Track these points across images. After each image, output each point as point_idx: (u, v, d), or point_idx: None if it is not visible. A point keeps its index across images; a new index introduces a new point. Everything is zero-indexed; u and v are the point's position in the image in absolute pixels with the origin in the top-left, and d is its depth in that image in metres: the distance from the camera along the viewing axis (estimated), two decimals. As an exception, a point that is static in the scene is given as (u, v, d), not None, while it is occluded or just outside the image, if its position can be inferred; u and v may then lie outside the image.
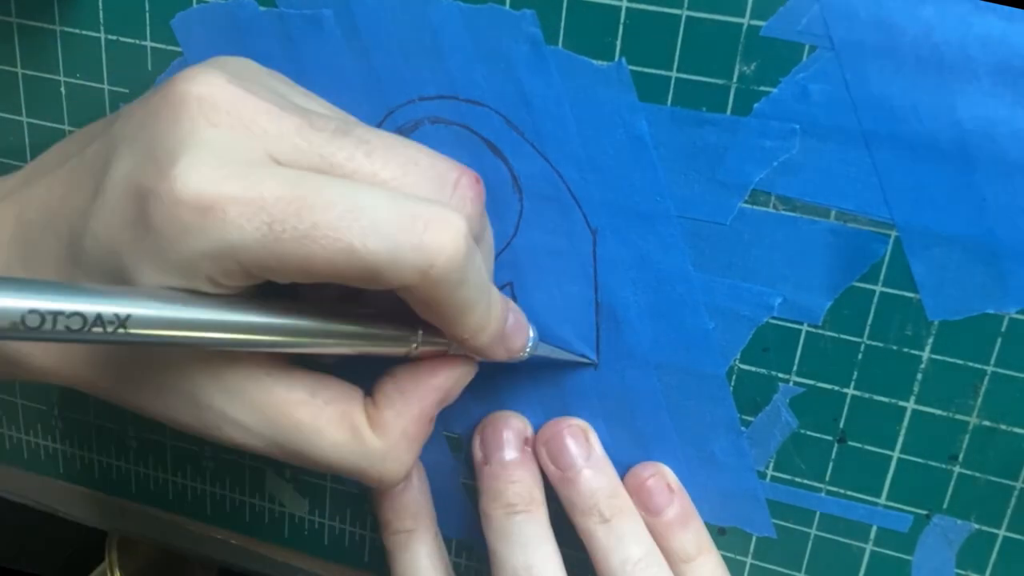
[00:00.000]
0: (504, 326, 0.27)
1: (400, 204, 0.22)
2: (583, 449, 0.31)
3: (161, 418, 0.26)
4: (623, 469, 0.32)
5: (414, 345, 0.26)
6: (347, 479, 0.37)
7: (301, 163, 0.23)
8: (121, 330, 0.21)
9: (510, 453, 0.32)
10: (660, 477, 0.32)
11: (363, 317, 0.26)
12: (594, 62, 0.28)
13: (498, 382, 0.33)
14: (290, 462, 0.26)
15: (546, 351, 0.31)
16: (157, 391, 0.25)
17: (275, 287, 0.24)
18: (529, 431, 0.33)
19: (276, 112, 0.23)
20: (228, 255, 0.22)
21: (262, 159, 0.23)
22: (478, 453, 0.33)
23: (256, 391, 0.25)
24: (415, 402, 0.27)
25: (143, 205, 0.22)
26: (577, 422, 0.32)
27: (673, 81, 0.27)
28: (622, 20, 0.27)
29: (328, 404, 0.26)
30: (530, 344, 0.29)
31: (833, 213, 0.28)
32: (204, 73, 0.23)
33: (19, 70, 0.34)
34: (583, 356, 0.31)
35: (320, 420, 0.26)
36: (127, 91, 0.33)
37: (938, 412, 0.29)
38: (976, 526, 0.29)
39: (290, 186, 0.22)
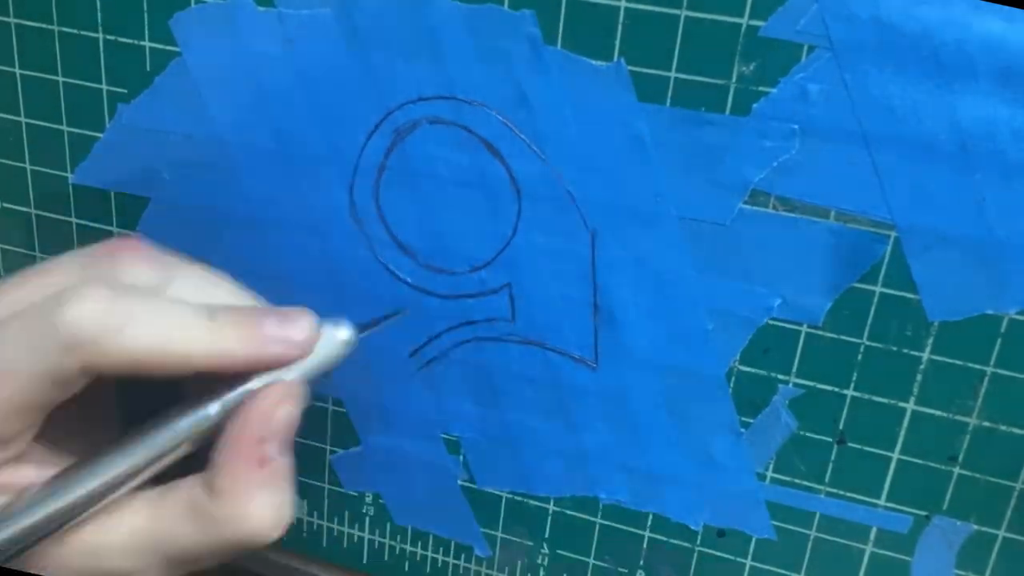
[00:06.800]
0: (261, 332, 0.25)
1: (28, 311, 0.23)
2: None
3: None
4: (622, 472, 0.32)
5: (212, 412, 0.25)
6: (347, 485, 0.37)
7: None
8: None
9: None
10: None
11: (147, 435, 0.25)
12: (594, 62, 0.28)
13: (496, 384, 0.33)
14: (185, 570, 0.26)
15: (374, 328, 0.28)
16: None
17: None
18: None
19: None
20: None
21: None
22: None
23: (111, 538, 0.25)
24: (231, 453, 0.25)
25: None
26: None
27: (672, 81, 0.27)
28: (621, 20, 0.27)
29: (167, 503, 0.25)
30: (322, 330, 0.26)
31: (833, 213, 0.28)
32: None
33: (17, 70, 0.34)
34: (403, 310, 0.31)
35: (167, 522, 0.25)
36: (125, 91, 0.33)
37: (938, 413, 0.29)
38: (976, 527, 0.29)
39: None
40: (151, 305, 0.24)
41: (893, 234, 0.27)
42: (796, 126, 0.27)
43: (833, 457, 0.30)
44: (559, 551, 0.35)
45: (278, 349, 0.25)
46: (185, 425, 0.25)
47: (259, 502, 0.25)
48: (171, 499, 0.25)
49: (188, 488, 0.25)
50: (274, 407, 0.25)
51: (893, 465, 0.30)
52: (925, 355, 0.28)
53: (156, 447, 0.25)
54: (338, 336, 0.26)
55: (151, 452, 0.25)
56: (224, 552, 0.25)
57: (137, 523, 0.25)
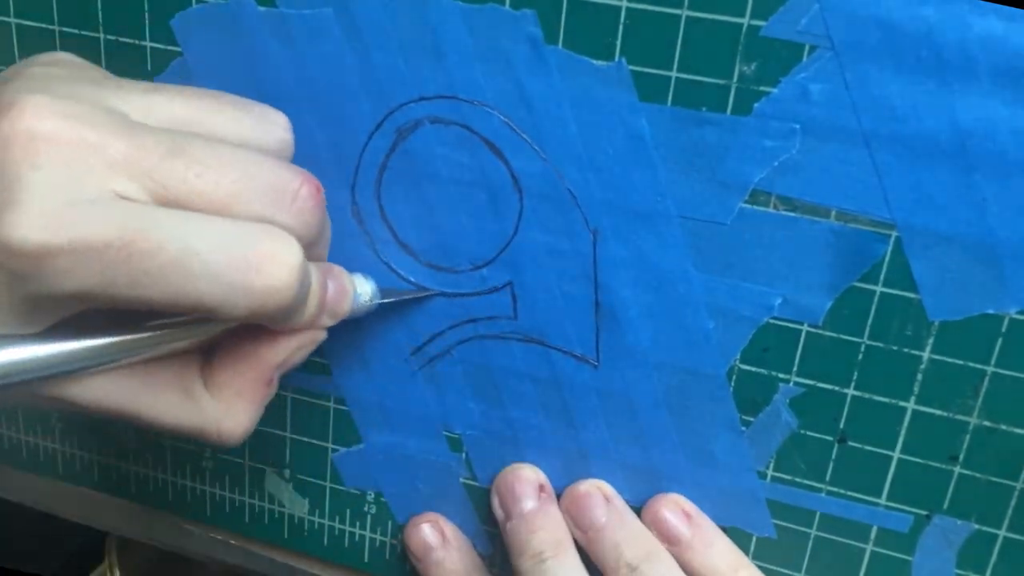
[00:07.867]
0: (323, 304, 0.28)
1: (231, 243, 0.23)
2: (602, 507, 0.32)
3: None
4: (623, 471, 0.32)
5: (229, 323, 0.27)
6: (348, 483, 0.37)
7: (135, 190, 0.23)
8: None
9: (528, 504, 0.32)
10: (675, 505, 0.32)
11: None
12: (594, 62, 0.28)
13: (498, 381, 0.33)
14: (136, 425, 0.27)
15: (393, 295, 0.32)
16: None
17: None
18: (543, 478, 0.33)
19: (102, 141, 0.23)
20: (65, 299, 0.23)
21: (93, 193, 0.22)
22: (499, 512, 0.33)
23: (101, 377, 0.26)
24: (250, 366, 0.27)
25: None
26: (594, 483, 0.33)
27: (673, 81, 0.27)
28: (622, 20, 0.27)
29: (162, 368, 0.27)
30: (357, 302, 0.30)
31: (833, 213, 0.28)
32: (24, 104, 0.22)
33: (19, 70, 0.34)
34: (429, 290, 0.32)
35: (154, 390, 0.27)
36: (127, 91, 0.33)
37: (938, 412, 0.29)
38: (976, 526, 0.29)
39: (118, 230, 0.22)
40: (314, 287, 0.27)
41: (893, 234, 0.27)
42: (797, 126, 0.27)
43: (834, 456, 0.30)
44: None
45: (325, 323, 0.28)
46: (206, 327, 0.27)
47: (245, 411, 0.28)
48: (165, 373, 0.27)
49: (184, 370, 0.27)
50: (300, 347, 0.28)
51: (894, 464, 0.30)
52: (926, 354, 0.28)
53: (173, 333, 0.27)
54: (362, 299, 0.30)
55: (171, 334, 0.27)
56: (186, 435, 0.28)
57: (127, 379, 0.26)
